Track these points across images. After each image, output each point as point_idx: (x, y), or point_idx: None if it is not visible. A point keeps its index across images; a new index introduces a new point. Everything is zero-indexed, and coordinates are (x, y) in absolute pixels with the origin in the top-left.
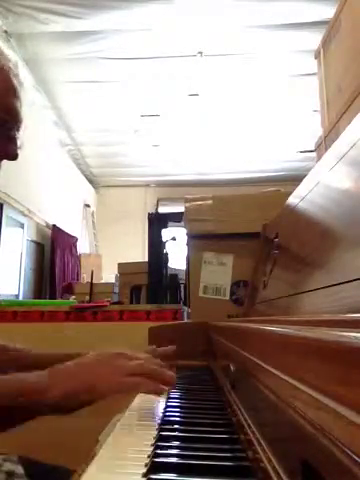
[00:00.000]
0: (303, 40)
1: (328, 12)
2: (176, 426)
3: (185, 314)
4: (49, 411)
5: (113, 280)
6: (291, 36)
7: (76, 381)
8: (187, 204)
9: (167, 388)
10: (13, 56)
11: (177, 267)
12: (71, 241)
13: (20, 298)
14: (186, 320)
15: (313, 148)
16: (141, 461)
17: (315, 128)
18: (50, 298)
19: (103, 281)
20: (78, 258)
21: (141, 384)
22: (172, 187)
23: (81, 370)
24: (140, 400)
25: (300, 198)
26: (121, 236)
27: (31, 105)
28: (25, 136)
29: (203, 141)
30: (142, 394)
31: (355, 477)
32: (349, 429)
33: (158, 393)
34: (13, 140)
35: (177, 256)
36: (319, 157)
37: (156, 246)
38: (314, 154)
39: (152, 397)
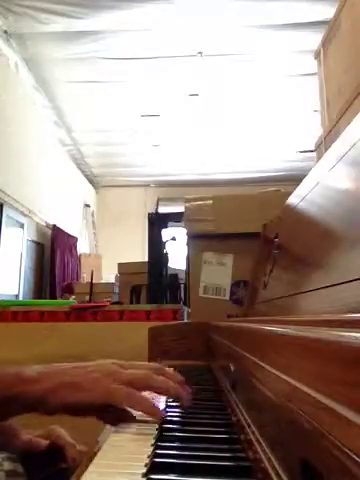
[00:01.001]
0: (303, 40)
1: (328, 12)
2: (176, 426)
3: (185, 314)
4: (31, 406)
5: (113, 280)
6: (291, 36)
7: (59, 379)
8: (187, 204)
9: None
10: (13, 56)
11: (177, 267)
12: (71, 241)
13: (20, 298)
14: (186, 320)
15: (313, 148)
16: (141, 461)
17: (315, 128)
18: (50, 298)
19: (103, 281)
20: (78, 258)
21: (133, 396)
22: (172, 187)
23: (70, 370)
24: None
25: (300, 198)
26: (121, 236)
27: (31, 105)
28: (25, 136)
29: (203, 141)
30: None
31: (355, 477)
32: (349, 429)
33: (156, 415)
34: None
35: (177, 256)
36: (319, 157)
37: (156, 246)
38: (314, 154)
39: (153, 394)
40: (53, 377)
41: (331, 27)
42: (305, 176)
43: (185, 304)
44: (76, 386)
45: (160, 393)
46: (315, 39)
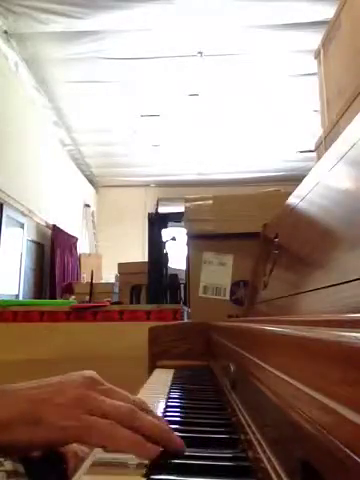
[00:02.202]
0: (303, 40)
1: (328, 12)
2: (176, 426)
3: (185, 314)
4: None
5: (113, 280)
6: (291, 36)
7: (13, 408)
8: (187, 204)
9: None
10: (13, 56)
11: (177, 267)
12: (71, 241)
13: (20, 298)
14: (186, 320)
15: (313, 148)
16: (141, 461)
17: (315, 128)
18: (50, 298)
19: (103, 281)
20: (78, 258)
21: (115, 432)
22: (172, 187)
23: (26, 395)
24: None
25: (300, 198)
26: (121, 236)
27: (31, 105)
28: (25, 136)
29: (203, 141)
30: (142, 392)
31: (355, 477)
32: (349, 429)
33: (148, 454)
34: None
35: (177, 256)
36: (319, 157)
37: (156, 246)
38: (314, 154)
39: (153, 394)
40: (6, 405)
41: (331, 27)
42: (305, 176)
43: (185, 304)
44: (37, 419)
45: (146, 435)
46: (315, 39)
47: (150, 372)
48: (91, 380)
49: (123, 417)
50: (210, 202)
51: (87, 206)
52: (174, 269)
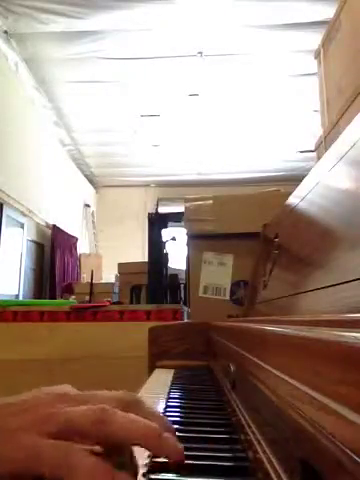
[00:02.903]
0: (303, 40)
1: (328, 12)
2: (176, 426)
3: (185, 314)
4: None
5: (113, 280)
6: (291, 36)
7: None
8: (187, 204)
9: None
10: (13, 56)
11: (177, 267)
12: (71, 241)
13: (20, 298)
14: (186, 320)
15: (313, 148)
16: (141, 461)
17: (315, 128)
18: (50, 298)
19: (103, 281)
20: (78, 258)
21: (74, 461)
22: (172, 187)
23: None
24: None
25: (300, 198)
26: (121, 236)
27: (31, 105)
28: (25, 136)
29: (203, 141)
30: (142, 392)
31: (355, 477)
32: (349, 429)
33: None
34: None
35: (177, 256)
36: (319, 157)
37: (156, 246)
38: (314, 154)
39: (153, 393)
40: None
41: (331, 27)
42: (305, 176)
43: (185, 304)
44: None
45: (133, 441)
46: (315, 39)
47: (150, 372)
48: (59, 396)
49: (84, 427)
50: (210, 202)
51: (87, 206)
52: (174, 269)
